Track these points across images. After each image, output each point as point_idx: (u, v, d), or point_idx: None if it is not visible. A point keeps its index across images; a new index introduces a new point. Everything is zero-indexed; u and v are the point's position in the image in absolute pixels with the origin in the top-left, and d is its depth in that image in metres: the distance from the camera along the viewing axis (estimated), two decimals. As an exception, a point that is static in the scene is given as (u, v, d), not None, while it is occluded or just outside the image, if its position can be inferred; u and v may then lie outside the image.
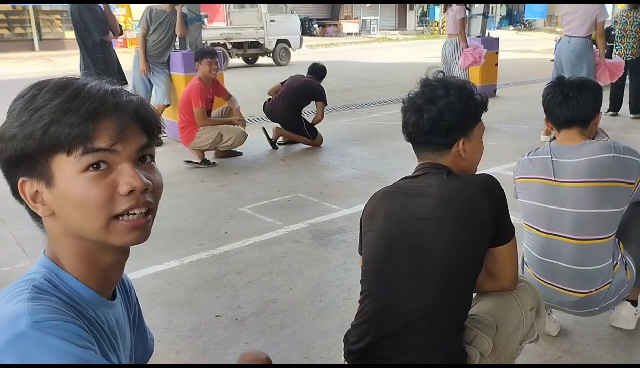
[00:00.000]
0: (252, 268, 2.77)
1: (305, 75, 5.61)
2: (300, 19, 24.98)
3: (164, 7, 5.44)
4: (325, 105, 5.53)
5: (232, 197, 3.94)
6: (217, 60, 4.85)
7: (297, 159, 5.09)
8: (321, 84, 5.64)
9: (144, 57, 5.46)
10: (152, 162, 0.82)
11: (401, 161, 4.69)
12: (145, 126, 0.80)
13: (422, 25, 31.88)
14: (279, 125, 5.48)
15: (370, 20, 28.38)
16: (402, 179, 1.50)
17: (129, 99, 0.79)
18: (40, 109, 0.73)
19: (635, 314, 2.13)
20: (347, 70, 12.97)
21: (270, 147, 5.40)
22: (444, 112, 1.40)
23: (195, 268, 2.79)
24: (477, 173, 1.50)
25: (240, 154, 5.11)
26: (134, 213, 0.77)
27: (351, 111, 7.67)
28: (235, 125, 4.87)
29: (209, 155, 4.92)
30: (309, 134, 5.40)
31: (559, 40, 5.41)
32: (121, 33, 4.46)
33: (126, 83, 4.61)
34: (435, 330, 1.32)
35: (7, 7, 18.32)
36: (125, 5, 19.02)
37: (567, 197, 1.82)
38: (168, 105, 5.70)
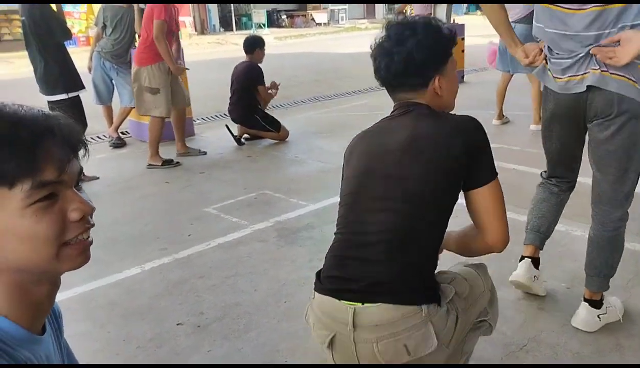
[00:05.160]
0: (216, 271, 2.69)
1: (245, 56, 5.37)
2: (267, 11, 24.84)
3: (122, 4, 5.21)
4: (263, 85, 5.25)
5: (197, 197, 3.85)
6: None
7: (263, 154, 5.00)
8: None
9: (91, 55, 5.29)
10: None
11: (369, 152, 4.66)
12: (74, 148, 0.76)
13: (391, 13, 31.91)
14: None
15: (339, 9, 28.22)
16: (380, 120, 1.50)
17: (64, 122, 0.75)
18: None
19: (598, 318, 2.06)
20: (316, 61, 12.88)
21: (236, 144, 5.30)
22: (415, 51, 1.37)
23: (157, 274, 2.71)
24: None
25: (204, 153, 4.98)
26: (82, 237, 0.75)
27: (320, 103, 7.60)
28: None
29: (172, 155, 4.79)
30: (271, 128, 5.31)
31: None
32: (71, 37, 4.24)
33: (84, 87, 4.39)
34: (402, 254, 1.31)
35: (-37, 8, 17.63)
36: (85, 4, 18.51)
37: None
38: (132, 107, 5.41)
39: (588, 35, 1.76)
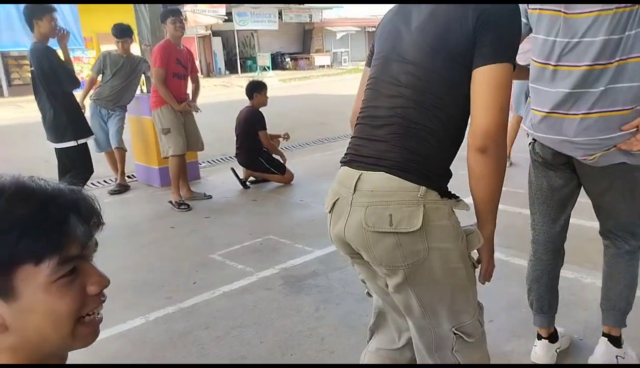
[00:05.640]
0: (222, 321, 2.66)
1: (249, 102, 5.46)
2: (272, 54, 25.40)
3: (120, 51, 5.32)
4: (263, 130, 5.32)
5: (203, 243, 3.84)
6: (181, 18, 4.75)
7: (269, 198, 5.02)
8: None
9: (83, 98, 5.20)
10: None
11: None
12: (94, 222, 0.77)
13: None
14: None
15: (342, 52, 28.88)
16: None
17: (86, 196, 0.76)
18: (4, 222, 0.67)
19: (616, 359, 2.01)
20: (320, 103, 13.09)
21: (242, 187, 5.33)
22: None
23: (161, 325, 2.67)
24: None
25: (209, 196, 5.00)
26: (94, 313, 0.75)
27: (324, 145, 7.68)
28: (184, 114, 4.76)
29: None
30: (276, 170, 5.34)
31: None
32: (79, 85, 4.34)
33: (92, 133, 4.46)
34: (407, 138, 1.30)
35: (-26, 53, 18.12)
36: (95, 46, 19.01)
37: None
38: (119, 148, 5.39)
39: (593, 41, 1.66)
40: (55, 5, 4.12)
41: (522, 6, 1.94)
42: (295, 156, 6.93)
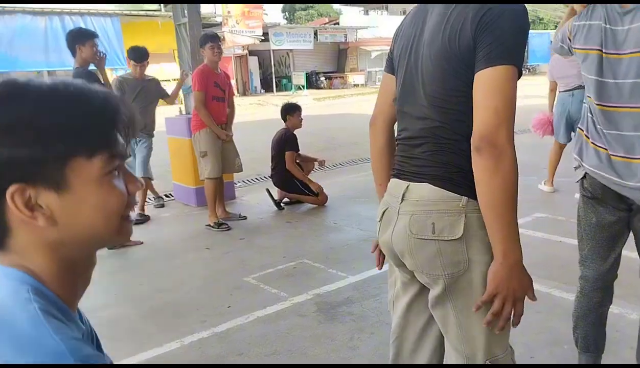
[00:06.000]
0: (255, 348, 2.66)
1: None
2: (307, 73, 25.72)
3: (137, 74, 5.22)
4: (295, 151, 5.38)
5: (237, 265, 3.87)
6: (219, 43, 4.85)
7: (303, 220, 5.03)
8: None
9: None
10: None
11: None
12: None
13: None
14: None
15: (376, 71, 28.95)
16: None
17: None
18: (62, 115, 0.70)
19: None
20: (354, 123, 13.11)
21: (276, 208, 5.37)
22: None
23: (196, 349, 2.69)
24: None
25: (244, 217, 5.06)
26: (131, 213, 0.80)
27: (358, 166, 7.67)
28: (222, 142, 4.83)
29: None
30: (310, 192, 5.37)
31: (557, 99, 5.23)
32: None
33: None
34: (440, 154, 1.32)
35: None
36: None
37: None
38: (148, 178, 5.24)
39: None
40: (99, 26, 4.31)
41: (561, 31, 1.92)
42: (328, 177, 6.95)
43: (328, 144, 9.32)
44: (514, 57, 1.19)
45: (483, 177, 1.21)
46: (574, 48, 1.79)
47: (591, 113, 1.82)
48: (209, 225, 4.78)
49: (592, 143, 1.81)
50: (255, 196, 5.94)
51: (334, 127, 12.11)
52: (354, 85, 27.33)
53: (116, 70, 20.12)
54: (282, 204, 5.43)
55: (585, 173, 1.90)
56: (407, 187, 1.37)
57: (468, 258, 1.28)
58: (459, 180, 1.30)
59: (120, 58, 18.41)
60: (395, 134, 1.52)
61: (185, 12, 5.89)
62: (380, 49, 29.58)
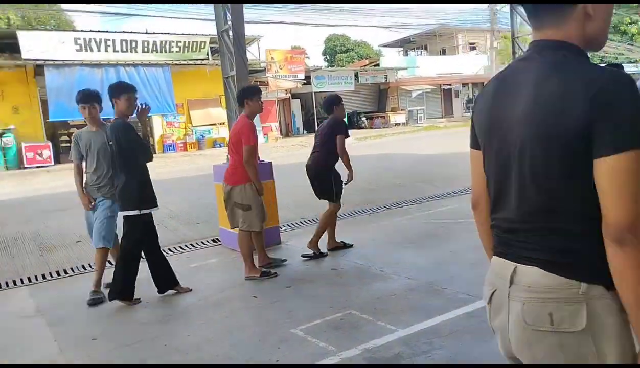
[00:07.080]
0: (304, 407, 2.60)
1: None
2: (348, 113, 26.05)
3: (91, 127, 4.70)
4: (346, 136, 5.35)
5: (284, 316, 3.84)
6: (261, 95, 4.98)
7: (348, 266, 4.97)
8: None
9: (82, 190, 4.63)
10: None
11: (458, 268, 4.48)
12: None
13: (468, 111, 32.22)
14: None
15: (417, 110, 29.02)
16: (510, 66, 1.37)
17: None
18: None
19: None
20: (396, 163, 13.07)
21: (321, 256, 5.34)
22: None
23: (245, 406, 2.66)
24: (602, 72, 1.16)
25: (284, 260, 5.06)
26: None
27: (403, 208, 7.58)
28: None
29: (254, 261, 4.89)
30: (335, 198, 5.31)
31: None
32: (151, 159, 4.54)
33: (157, 205, 4.43)
34: (550, 236, 1.22)
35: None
36: (185, 112, 20.53)
37: None
38: (106, 249, 4.58)
39: None
40: (151, 76, 4.49)
41: None
42: (373, 220, 6.90)
43: (370, 184, 9.27)
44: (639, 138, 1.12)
45: (625, 269, 1.11)
46: None
47: None
48: (250, 277, 4.72)
49: None
50: (300, 240, 5.94)
51: (376, 167, 12.08)
52: (395, 124, 27.44)
53: (166, 117, 21.11)
54: (325, 252, 5.39)
55: None
56: (515, 269, 1.28)
57: (596, 351, 1.16)
58: (572, 264, 1.19)
59: (170, 105, 19.29)
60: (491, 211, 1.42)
61: (234, 65, 6.13)
62: (420, 89, 29.77)
